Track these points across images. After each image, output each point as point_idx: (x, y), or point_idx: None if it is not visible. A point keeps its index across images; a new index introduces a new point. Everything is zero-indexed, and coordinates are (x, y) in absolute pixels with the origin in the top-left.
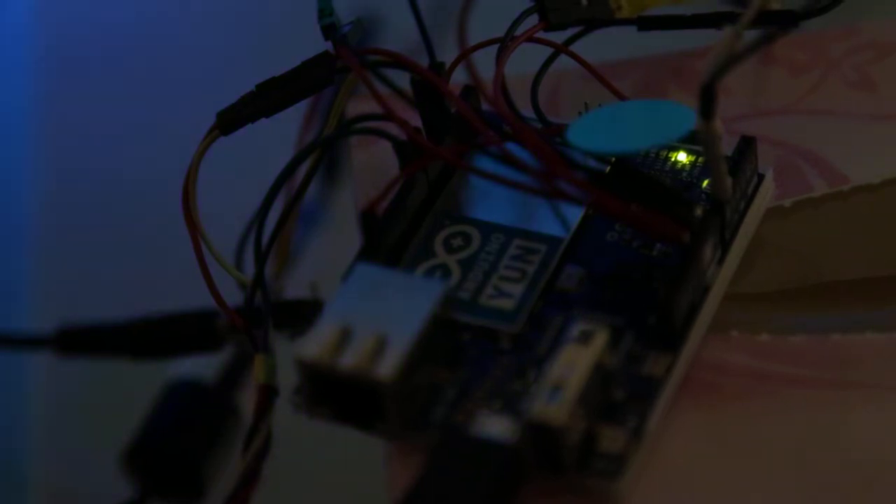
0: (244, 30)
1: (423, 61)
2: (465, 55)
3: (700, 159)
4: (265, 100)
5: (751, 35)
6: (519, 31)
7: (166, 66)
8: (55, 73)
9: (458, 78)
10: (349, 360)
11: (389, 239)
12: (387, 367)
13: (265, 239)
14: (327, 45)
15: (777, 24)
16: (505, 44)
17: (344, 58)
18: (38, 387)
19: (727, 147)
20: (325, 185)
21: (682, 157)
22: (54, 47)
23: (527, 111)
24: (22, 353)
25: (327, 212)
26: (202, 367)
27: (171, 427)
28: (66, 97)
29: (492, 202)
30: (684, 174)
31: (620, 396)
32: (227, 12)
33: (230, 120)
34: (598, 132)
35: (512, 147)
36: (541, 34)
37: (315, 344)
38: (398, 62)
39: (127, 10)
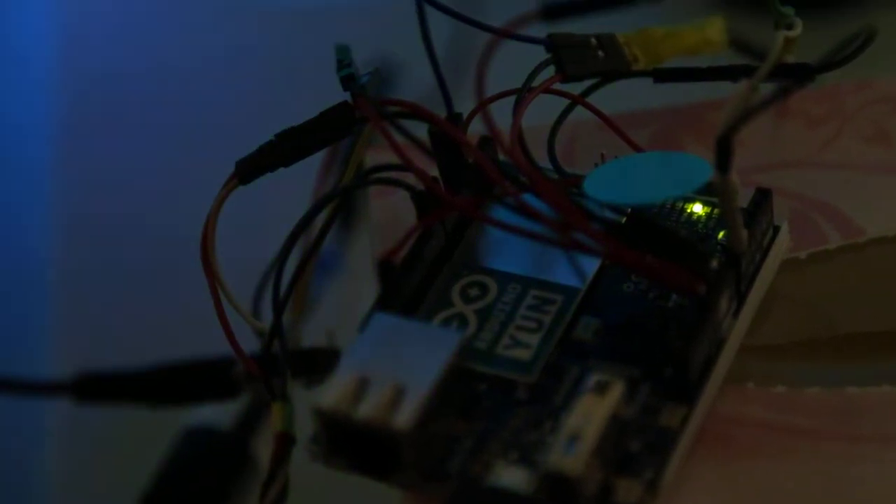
0: (264, 79)
1: (440, 110)
2: (482, 106)
3: (716, 211)
4: (284, 149)
5: (767, 88)
6: (536, 83)
7: (186, 114)
8: (77, 121)
9: (475, 128)
10: (366, 409)
11: (406, 289)
12: (404, 417)
13: (283, 288)
14: (346, 95)
15: (793, 77)
16: (522, 95)
17: (362, 108)
18: (56, 432)
19: (742, 199)
20: (341, 232)
21: (697, 208)
22: (77, 95)
23: (543, 161)
24: (41, 399)
25: (343, 259)
26: (218, 414)
27: (186, 474)
28: (87, 145)
29: (508, 252)
30: (700, 225)
31: (636, 448)
32: (247, 62)
33: (249, 169)
34: (615, 183)
35: (529, 198)
36: (557, 85)
37: (333, 393)
38: (416, 113)
39: (148, 59)
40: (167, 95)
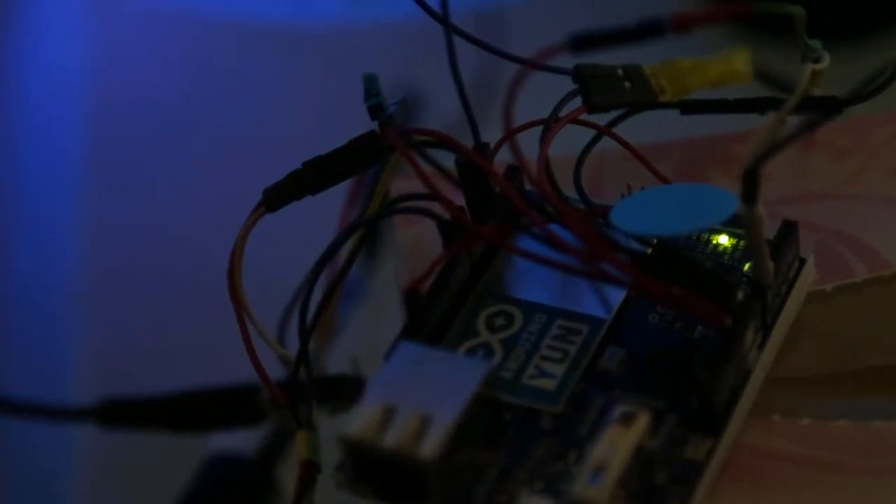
0: (292, 108)
1: (466, 138)
2: (509, 136)
3: (741, 242)
4: (311, 178)
5: (793, 120)
6: (562, 113)
7: (214, 142)
8: (105, 151)
9: (501, 157)
10: (392, 438)
11: (432, 318)
12: (430, 447)
13: (309, 316)
14: (374, 125)
15: (820, 110)
16: (549, 125)
17: (390, 138)
18: (79, 457)
19: (768, 230)
20: (366, 260)
21: (723, 239)
22: (105, 123)
23: (569, 191)
24: (65, 424)
25: (368, 287)
26: (242, 440)
27: (210, 501)
28: (115, 174)
29: (534, 282)
30: (726, 257)
31: (661, 479)
32: (275, 91)
33: (276, 197)
34: (642, 215)
35: (555, 228)
36: (584, 116)
37: (359, 422)
38: (443, 143)
39: (177, 87)
40: (195, 124)
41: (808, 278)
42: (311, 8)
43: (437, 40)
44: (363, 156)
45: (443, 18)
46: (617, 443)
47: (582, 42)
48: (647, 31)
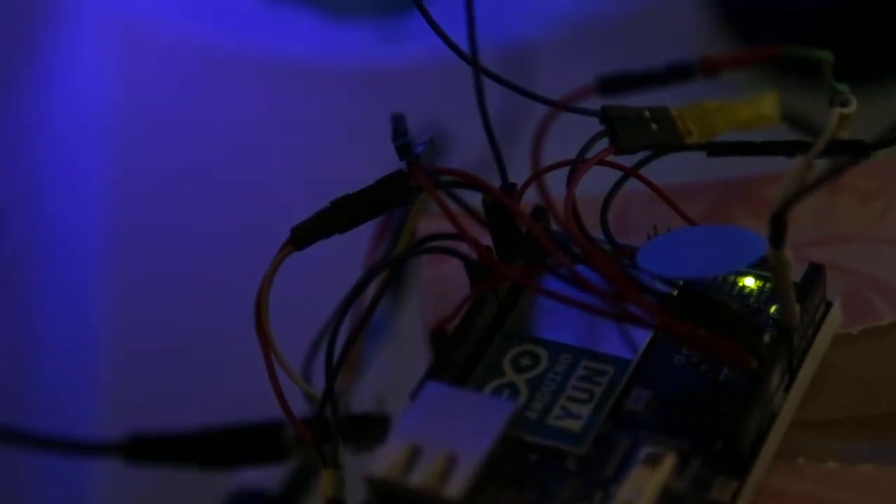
0: (319, 146)
1: (492, 177)
2: (537, 176)
3: (768, 285)
4: (339, 217)
5: (821, 163)
6: (590, 154)
7: (242, 179)
8: (132, 186)
9: (529, 196)
10: (418, 478)
11: (458, 357)
12: (455, 487)
13: (336, 354)
14: (401, 164)
15: (847, 154)
16: (576, 166)
17: (418, 178)
18: (104, 493)
19: (795, 273)
20: (392, 298)
21: (749, 282)
22: (133, 158)
23: (595, 232)
24: (91, 459)
25: (393, 325)
26: (267, 478)
27: None
28: (141, 208)
29: (560, 322)
30: (752, 299)
31: None
32: (303, 128)
33: (304, 236)
34: (668, 256)
35: (581, 268)
36: (611, 157)
37: (384, 461)
38: (470, 183)
39: (203, 125)
40: (223, 160)
41: (834, 321)
42: (340, 46)
43: (465, 79)
44: (391, 195)
45: (471, 59)
46: (642, 484)
47: (611, 84)
48: (676, 74)
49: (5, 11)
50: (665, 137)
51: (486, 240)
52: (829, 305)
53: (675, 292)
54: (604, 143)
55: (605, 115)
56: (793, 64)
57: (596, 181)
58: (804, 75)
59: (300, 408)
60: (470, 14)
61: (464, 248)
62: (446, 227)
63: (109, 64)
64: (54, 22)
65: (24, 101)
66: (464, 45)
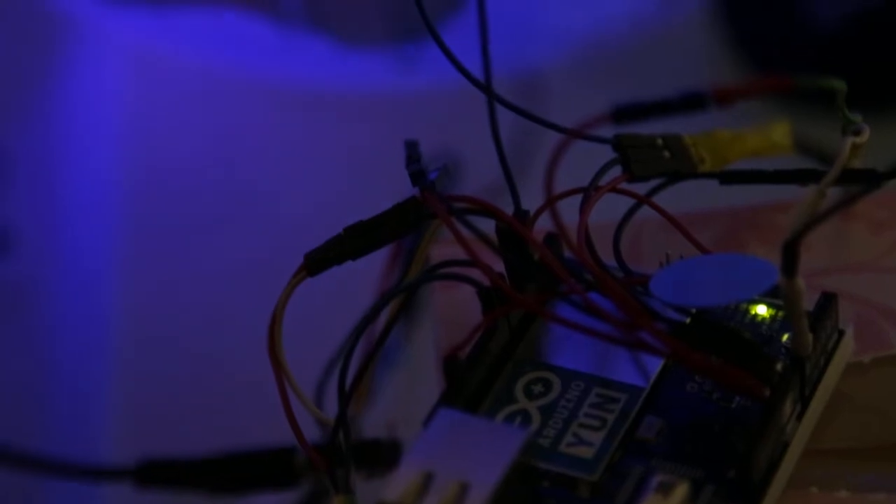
0: (333, 172)
1: (504, 203)
2: (550, 203)
3: (780, 313)
4: (353, 243)
5: (833, 192)
6: (602, 182)
7: (256, 205)
8: (144, 212)
9: (541, 223)
10: None
11: (471, 384)
12: None
13: (348, 380)
14: (415, 190)
15: (860, 183)
16: (589, 194)
17: (431, 204)
18: None
19: (807, 301)
20: (404, 324)
21: (762, 310)
22: (144, 184)
23: (608, 259)
24: (102, 484)
25: (405, 350)
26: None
27: None
28: (153, 234)
29: (573, 349)
30: (764, 328)
31: None
32: (316, 154)
33: (318, 262)
34: (681, 285)
35: (594, 296)
36: (624, 185)
37: (397, 488)
38: (483, 209)
39: (214, 151)
40: (236, 186)
41: (846, 350)
42: (354, 73)
43: (478, 105)
44: (404, 222)
45: (485, 87)
46: None
47: (624, 113)
48: (689, 103)
49: (22, 37)
50: (678, 165)
51: (499, 266)
52: (841, 334)
53: (688, 320)
54: (617, 170)
55: (618, 143)
56: (806, 92)
57: (608, 207)
58: (817, 102)
59: (312, 433)
60: (484, 42)
61: (476, 274)
62: (459, 253)
63: (125, 89)
64: (70, 48)
65: (40, 126)
66: (477, 71)
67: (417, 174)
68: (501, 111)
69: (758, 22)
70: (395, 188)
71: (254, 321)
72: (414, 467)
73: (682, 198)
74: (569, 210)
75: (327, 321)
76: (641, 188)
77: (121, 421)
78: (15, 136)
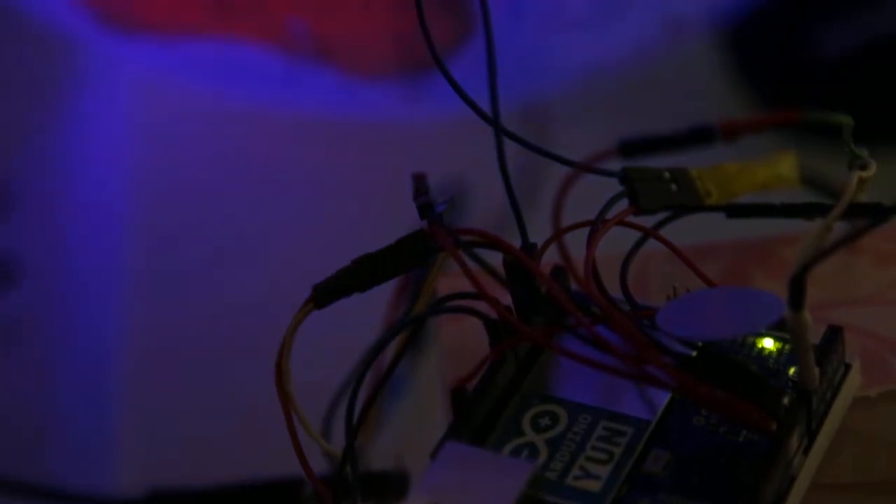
0: (340, 204)
1: (512, 236)
2: (557, 237)
3: (787, 346)
4: (361, 275)
5: (839, 226)
6: (609, 215)
7: (262, 236)
8: (152, 242)
9: (548, 255)
10: None
11: (478, 417)
12: None
13: (355, 413)
14: (422, 223)
15: (866, 217)
16: (595, 227)
17: (439, 237)
18: None
19: (813, 335)
20: (410, 356)
21: (768, 343)
22: (152, 213)
23: (615, 291)
24: None
25: (411, 382)
26: None
27: None
28: (162, 264)
29: (579, 382)
30: (770, 361)
31: None
32: (323, 185)
33: (326, 293)
34: (688, 317)
35: (601, 329)
36: (630, 218)
37: None
38: (491, 243)
39: (225, 180)
40: (243, 217)
41: (853, 384)
42: (361, 105)
43: (485, 136)
44: (412, 254)
45: (493, 121)
46: None
47: (631, 148)
48: (697, 137)
49: (28, 65)
50: (685, 199)
51: (507, 299)
52: (847, 368)
53: (694, 353)
54: (624, 203)
55: (625, 177)
56: (812, 126)
57: (615, 239)
58: (823, 134)
59: (320, 465)
60: (492, 76)
61: (484, 307)
62: (467, 285)
63: (132, 119)
64: (77, 77)
65: (45, 155)
66: (484, 103)
67: (425, 207)
68: (508, 142)
69: (764, 54)
70: (402, 220)
71: (261, 351)
72: (421, 500)
73: (688, 230)
74: (576, 242)
75: (334, 352)
76: (648, 221)
77: (128, 452)
78: (20, 166)
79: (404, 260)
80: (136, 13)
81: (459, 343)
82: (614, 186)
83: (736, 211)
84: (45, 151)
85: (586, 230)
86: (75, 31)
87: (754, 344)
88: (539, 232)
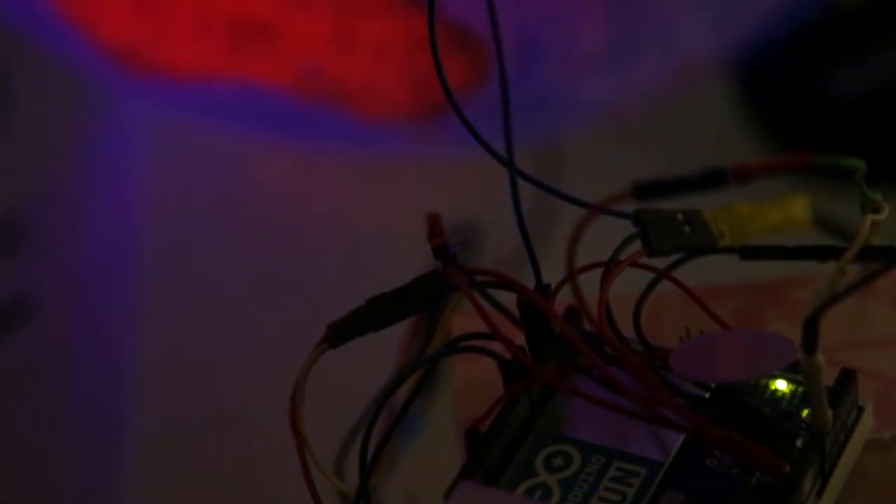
0: (354, 243)
1: (525, 276)
2: (571, 278)
3: (800, 389)
4: (375, 315)
5: (853, 268)
6: (623, 256)
7: (276, 275)
8: (165, 280)
9: (562, 294)
10: None
11: (492, 456)
12: None
13: (369, 452)
14: (436, 263)
15: (880, 260)
16: (609, 268)
17: (453, 278)
18: None
19: (827, 377)
20: (424, 394)
21: (781, 385)
22: (167, 251)
23: (627, 332)
24: None
25: (425, 422)
26: None
27: None
28: (175, 303)
29: (593, 423)
30: (784, 403)
31: None
32: (337, 224)
33: (340, 333)
34: (701, 359)
35: (614, 370)
36: (643, 259)
37: None
38: (505, 283)
39: (238, 219)
40: (257, 255)
41: (866, 426)
42: (376, 145)
43: (497, 176)
44: (426, 294)
45: (507, 161)
46: None
47: (645, 190)
48: (710, 180)
49: (45, 103)
50: (698, 240)
51: (520, 340)
52: (861, 410)
53: (707, 395)
54: (637, 243)
55: (638, 218)
56: (825, 169)
57: (628, 281)
58: (835, 176)
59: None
60: (506, 117)
61: (498, 347)
62: (480, 325)
63: (149, 157)
64: (94, 115)
65: (61, 192)
66: (498, 144)
67: (440, 248)
68: (522, 183)
69: (777, 95)
70: (416, 260)
71: (275, 390)
72: None
73: (701, 272)
74: (589, 283)
75: (347, 391)
76: (661, 262)
77: (142, 487)
78: (35, 203)
79: (418, 300)
80: (154, 55)
81: (473, 383)
82: (628, 228)
83: (749, 253)
84: (61, 188)
85: (600, 271)
86: (94, 70)
87: (767, 386)
88: (552, 272)
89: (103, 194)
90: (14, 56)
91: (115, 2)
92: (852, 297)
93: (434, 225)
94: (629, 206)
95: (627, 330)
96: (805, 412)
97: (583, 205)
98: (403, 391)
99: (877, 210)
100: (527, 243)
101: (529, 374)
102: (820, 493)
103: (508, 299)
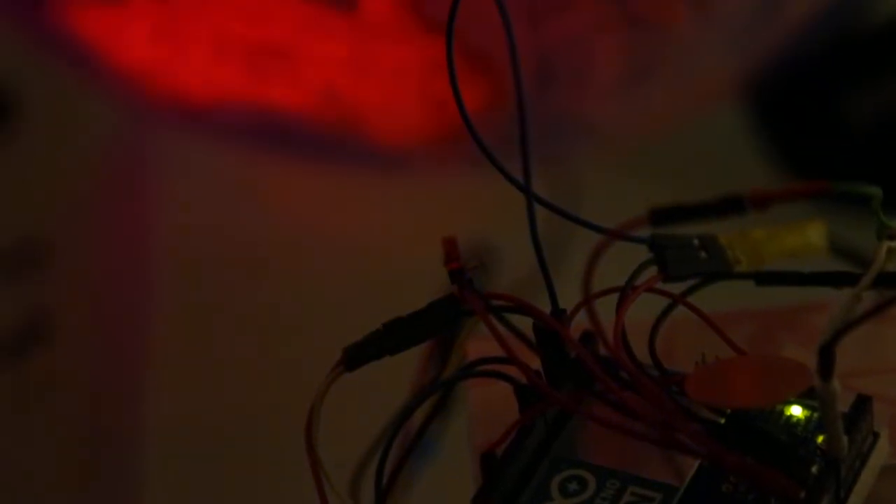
0: (369, 268)
1: (540, 300)
2: (586, 302)
3: (815, 414)
4: (391, 338)
5: (869, 294)
6: (638, 281)
7: (292, 297)
8: (181, 305)
9: (577, 319)
10: None
11: (507, 481)
12: None
13: (384, 477)
14: (452, 287)
15: (895, 286)
16: (625, 293)
17: (470, 301)
18: None
19: (842, 403)
20: (439, 418)
21: (796, 410)
22: (183, 276)
23: (643, 357)
24: None
25: (440, 446)
26: None
27: None
28: (190, 327)
29: (608, 447)
30: (799, 428)
31: None
32: (353, 251)
33: (356, 357)
34: (716, 385)
35: (629, 395)
36: (659, 284)
37: None
38: (521, 308)
39: (257, 242)
40: (274, 278)
41: (882, 453)
42: (392, 168)
43: (512, 201)
44: (442, 319)
45: (524, 186)
46: None
47: (663, 216)
48: (728, 206)
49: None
50: (714, 266)
51: (536, 364)
52: (876, 437)
53: (723, 421)
54: (653, 269)
55: (654, 244)
56: (842, 196)
57: (644, 305)
58: (852, 202)
59: None
60: (523, 142)
61: (513, 372)
62: (495, 349)
63: (168, 184)
64: (114, 141)
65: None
66: (515, 168)
67: (456, 272)
68: (538, 207)
69: (792, 121)
70: (432, 284)
71: (292, 412)
72: None
73: (717, 297)
74: (605, 308)
75: (361, 414)
76: (677, 287)
77: None
78: (52, 224)
79: (434, 324)
80: (170, 77)
81: (489, 407)
82: (644, 253)
83: (765, 278)
84: (76, 210)
85: (615, 296)
86: (111, 93)
87: (783, 412)
88: (568, 297)
89: (120, 216)
90: (31, 77)
91: (133, 24)
92: (868, 323)
93: (450, 249)
94: (645, 231)
95: (643, 355)
96: (820, 438)
97: (600, 230)
98: (419, 415)
99: (893, 237)
100: (543, 268)
101: (545, 399)
102: None
103: (524, 324)
